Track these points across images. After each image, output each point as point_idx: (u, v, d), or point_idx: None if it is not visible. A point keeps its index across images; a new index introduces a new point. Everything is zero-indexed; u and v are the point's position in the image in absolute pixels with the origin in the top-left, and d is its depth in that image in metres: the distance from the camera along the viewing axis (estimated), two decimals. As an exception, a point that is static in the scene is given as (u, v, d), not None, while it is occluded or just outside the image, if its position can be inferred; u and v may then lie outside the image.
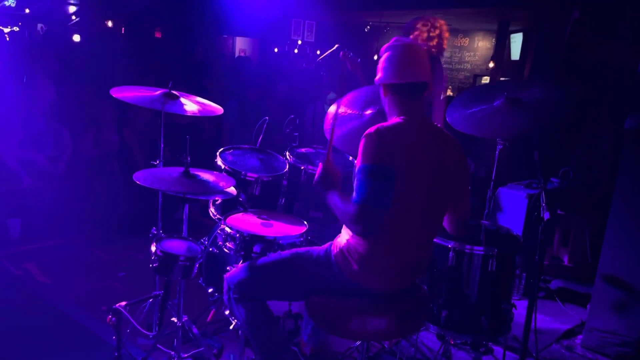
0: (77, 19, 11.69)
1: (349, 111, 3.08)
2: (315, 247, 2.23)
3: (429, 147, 2.03)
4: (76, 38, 9.73)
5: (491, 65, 10.51)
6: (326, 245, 2.20)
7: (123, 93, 2.69)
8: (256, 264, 2.26)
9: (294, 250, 2.27)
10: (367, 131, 1.97)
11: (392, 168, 1.91)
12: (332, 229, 2.91)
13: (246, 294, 2.22)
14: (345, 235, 2.12)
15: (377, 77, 2.13)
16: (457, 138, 2.20)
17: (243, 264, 2.33)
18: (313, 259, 2.16)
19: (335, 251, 2.11)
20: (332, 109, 3.13)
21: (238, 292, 2.23)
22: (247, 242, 2.56)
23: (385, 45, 2.13)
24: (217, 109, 2.88)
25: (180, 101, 2.75)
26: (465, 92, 2.98)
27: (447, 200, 2.13)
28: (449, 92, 11.91)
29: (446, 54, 12.26)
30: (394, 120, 2.06)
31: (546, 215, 2.44)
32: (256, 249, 2.57)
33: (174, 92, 2.76)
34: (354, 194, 1.93)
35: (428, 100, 2.21)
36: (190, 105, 2.78)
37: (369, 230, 1.95)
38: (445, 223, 2.24)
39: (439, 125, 2.71)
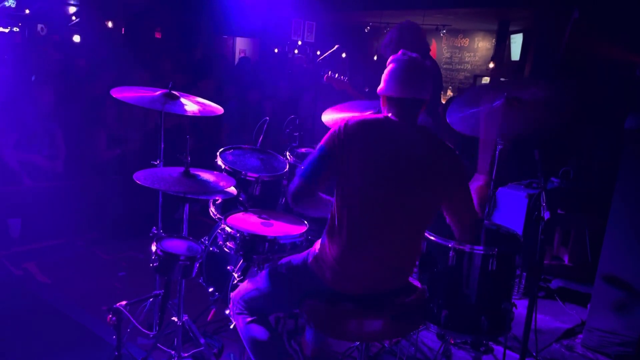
0: (77, 20, 11.70)
1: (349, 112, 3.10)
2: (295, 256, 2.27)
3: (407, 146, 2.04)
4: (76, 38, 9.74)
5: (491, 65, 10.52)
6: (304, 253, 2.23)
7: (123, 93, 2.69)
8: (254, 279, 2.31)
9: (279, 261, 2.30)
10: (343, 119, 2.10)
11: (338, 154, 2.03)
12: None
13: (248, 308, 2.26)
14: (318, 244, 2.17)
15: (379, 88, 2.17)
16: (457, 138, 2.20)
17: (243, 284, 2.37)
18: (293, 267, 2.21)
19: (310, 259, 2.16)
20: (327, 117, 3.14)
21: (240, 307, 2.27)
22: (247, 242, 2.56)
23: (392, 57, 2.16)
24: (217, 109, 2.88)
25: (181, 101, 2.75)
26: (464, 94, 2.97)
27: (430, 204, 2.11)
28: (449, 93, 11.92)
29: (446, 54, 12.34)
30: (375, 115, 2.15)
31: (546, 215, 2.44)
32: (260, 249, 2.57)
33: (174, 92, 2.76)
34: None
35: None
36: (191, 105, 2.78)
37: (297, 200, 2.10)
38: (455, 232, 2.25)
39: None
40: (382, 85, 2.16)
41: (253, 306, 2.25)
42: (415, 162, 2.04)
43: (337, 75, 3.64)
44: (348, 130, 2.04)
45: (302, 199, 2.10)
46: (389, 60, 2.17)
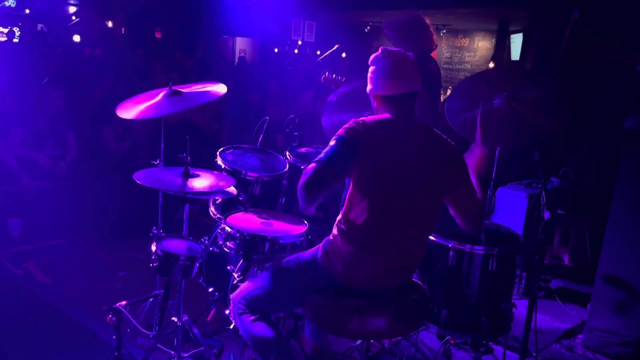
0: (77, 19, 11.71)
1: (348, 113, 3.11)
2: (303, 252, 2.27)
3: (412, 143, 2.06)
4: (76, 38, 9.74)
5: (491, 65, 10.51)
6: (313, 249, 2.24)
7: (127, 109, 2.63)
8: (255, 279, 2.30)
9: (284, 259, 2.30)
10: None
11: (358, 144, 1.98)
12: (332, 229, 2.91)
13: (250, 308, 2.25)
14: (328, 239, 2.17)
15: (368, 89, 2.18)
16: (456, 138, 2.20)
17: (244, 283, 2.36)
18: (302, 262, 2.21)
19: (320, 253, 2.16)
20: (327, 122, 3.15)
21: (241, 307, 2.26)
22: (247, 242, 2.56)
23: (373, 56, 2.16)
24: (220, 88, 2.78)
25: (185, 94, 2.71)
26: (460, 86, 2.91)
27: (437, 199, 2.13)
28: (449, 92, 11.92)
29: (446, 54, 12.33)
30: (380, 115, 2.13)
31: (546, 215, 2.44)
32: (260, 248, 2.57)
33: (176, 88, 2.72)
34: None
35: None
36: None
37: (313, 185, 1.95)
38: (460, 223, 2.22)
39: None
40: (370, 85, 2.16)
41: (255, 305, 2.24)
42: (424, 161, 2.06)
43: (334, 75, 3.64)
44: (366, 126, 2.03)
45: (319, 188, 1.96)
46: (370, 60, 2.17)
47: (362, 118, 2.07)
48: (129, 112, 2.60)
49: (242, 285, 2.36)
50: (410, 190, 2.04)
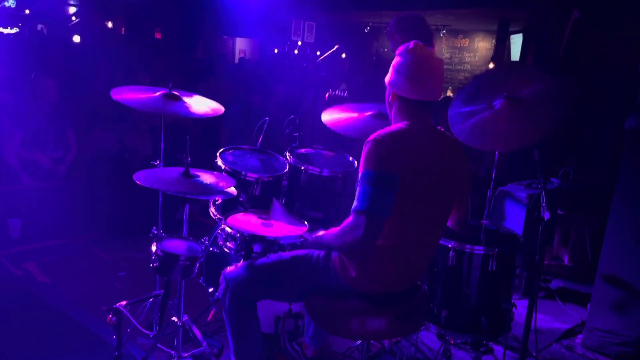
0: (77, 20, 11.71)
1: (348, 112, 3.11)
2: (313, 250, 2.24)
3: (431, 152, 2.03)
4: (76, 39, 9.73)
5: (491, 66, 10.51)
6: (320, 251, 2.21)
7: (122, 95, 2.68)
8: (255, 264, 2.27)
9: (294, 252, 2.27)
10: (369, 138, 1.95)
11: (394, 175, 1.89)
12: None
13: (242, 293, 2.23)
14: None
15: (387, 79, 2.08)
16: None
17: (243, 263, 2.33)
18: (312, 261, 2.18)
19: (334, 256, 2.12)
20: (326, 117, 3.15)
21: (234, 291, 2.24)
22: (247, 242, 2.56)
23: (403, 47, 2.03)
24: (219, 108, 2.87)
25: (183, 101, 2.74)
26: (462, 92, 2.91)
27: (451, 204, 2.14)
28: (449, 93, 11.92)
29: (446, 54, 12.33)
30: (397, 125, 2.05)
31: (546, 215, 2.44)
32: (257, 249, 2.57)
33: (175, 92, 2.75)
34: (355, 202, 1.90)
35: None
36: (194, 105, 2.78)
37: (370, 239, 1.90)
38: (449, 222, 2.25)
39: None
40: (391, 78, 2.05)
41: (246, 292, 2.23)
42: (441, 171, 2.03)
43: (337, 92, 3.71)
44: (391, 148, 1.91)
45: (376, 238, 1.92)
46: (399, 50, 2.04)
47: (380, 134, 1.94)
48: (122, 96, 2.67)
49: (238, 266, 2.32)
50: (430, 202, 2.01)
